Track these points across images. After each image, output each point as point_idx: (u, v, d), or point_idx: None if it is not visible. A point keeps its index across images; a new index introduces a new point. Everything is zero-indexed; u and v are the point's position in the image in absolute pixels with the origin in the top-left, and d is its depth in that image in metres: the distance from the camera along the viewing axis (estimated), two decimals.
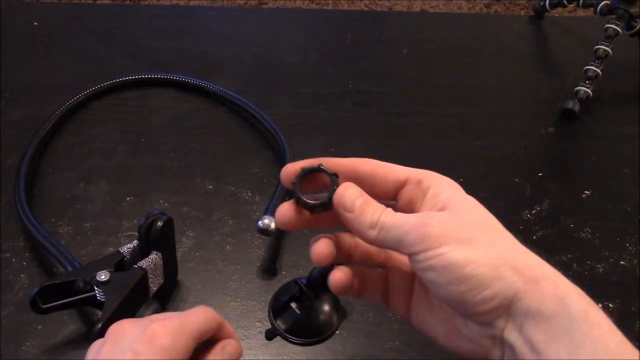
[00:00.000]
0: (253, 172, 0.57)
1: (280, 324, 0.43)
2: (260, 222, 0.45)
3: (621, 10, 0.70)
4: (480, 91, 0.70)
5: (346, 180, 0.31)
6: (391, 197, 0.32)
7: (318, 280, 0.43)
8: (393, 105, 0.68)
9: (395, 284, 0.34)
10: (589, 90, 0.65)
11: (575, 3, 0.78)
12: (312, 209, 0.31)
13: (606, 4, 0.73)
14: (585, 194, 0.56)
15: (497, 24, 0.88)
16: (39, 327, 0.43)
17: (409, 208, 0.31)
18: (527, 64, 0.77)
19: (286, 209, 0.32)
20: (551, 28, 0.84)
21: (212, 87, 0.65)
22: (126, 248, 0.42)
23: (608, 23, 0.69)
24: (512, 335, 0.27)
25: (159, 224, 0.41)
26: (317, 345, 0.43)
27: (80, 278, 0.40)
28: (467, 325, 0.29)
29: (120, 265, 0.42)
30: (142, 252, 0.43)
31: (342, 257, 0.33)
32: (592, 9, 0.76)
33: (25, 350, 0.42)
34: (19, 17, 0.82)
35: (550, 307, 0.26)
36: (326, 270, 0.42)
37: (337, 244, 0.32)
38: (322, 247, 0.31)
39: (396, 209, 0.30)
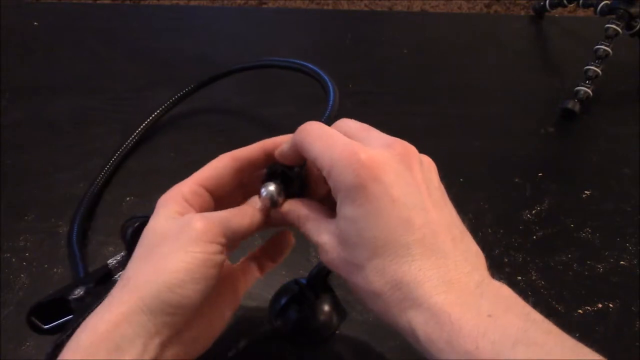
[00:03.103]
0: None
1: (280, 324, 0.43)
2: (264, 190, 0.33)
3: (621, 10, 0.70)
4: (480, 91, 0.70)
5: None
6: None
7: (318, 280, 0.43)
8: (393, 105, 0.68)
9: None
10: (589, 90, 0.65)
11: (575, 3, 0.78)
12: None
13: (606, 4, 0.73)
14: (585, 194, 0.56)
15: (497, 24, 0.88)
16: None
17: None
18: (527, 64, 0.77)
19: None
20: (551, 28, 0.84)
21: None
22: (114, 260, 0.39)
23: (608, 23, 0.69)
24: None
25: (129, 230, 0.36)
26: (317, 345, 0.43)
27: (63, 296, 0.36)
28: None
29: (105, 278, 0.38)
30: (124, 263, 0.38)
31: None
32: (592, 9, 0.76)
33: (25, 350, 0.42)
34: (19, 17, 0.82)
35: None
36: (326, 270, 0.42)
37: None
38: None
39: None
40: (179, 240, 0.28)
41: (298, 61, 0.54)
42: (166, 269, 0.27)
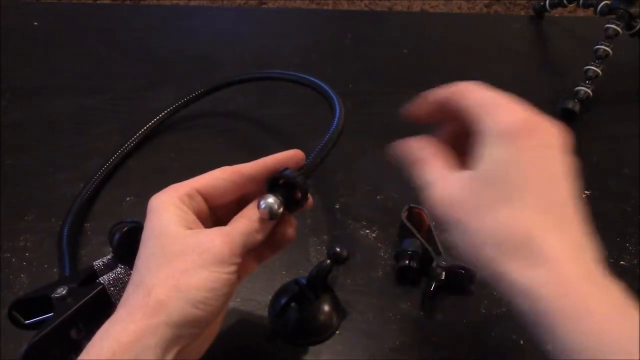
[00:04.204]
0: None
1: (280, 324, 0.43)
2: (262, 203, 0.32)
3: (621, 10, 0.70)
4: None
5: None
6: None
7: (318, 280, 0.43)
8: (393, 105, 0.67)
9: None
10: (589, 90, 0.65)
11: (575, 3, 0.78)
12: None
13: (606, 4, 0.73)
14: (585, 194, 0.56)
15: (497, 24, 0.88)
16: None
17: None
18: (527, 64, 0.77)
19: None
20: (551, 28, 0.84)
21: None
22: (100, 262, 0.38)
23: (608, 23, 0.69)
24: None
25: (117, 235, 0.36)
26: (317, 345, 0.43)
27: (45, 294, 0.36)
28: None
29: (90, 279, 0.37)
30: (110, 265, 0.38)
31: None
32: (592, 9, 0.76)
33: None
34: (19, 17, 0.82)
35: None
36: (326, 270, 0.42)
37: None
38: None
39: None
40: (201, 259, 0.30)
41: (305, 76, 0.55)
42: (190, 286, 0.29)
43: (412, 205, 0.49)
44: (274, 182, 0.33)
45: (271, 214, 0.32)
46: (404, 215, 0.48)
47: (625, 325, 0.24)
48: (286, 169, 0.34)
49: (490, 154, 0.28)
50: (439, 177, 0.30)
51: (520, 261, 0.26)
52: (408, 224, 0.48)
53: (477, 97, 0.31)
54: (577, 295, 0.24)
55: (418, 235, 0.46)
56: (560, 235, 0.26)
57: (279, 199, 0.32)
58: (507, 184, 0.27)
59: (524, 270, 0.26)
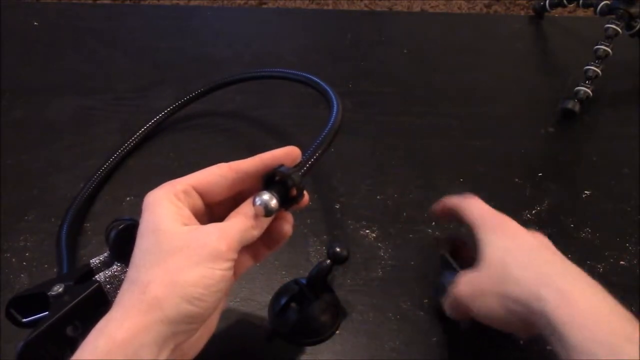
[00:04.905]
0: None
1: (280, 324, 0.43)
2: (258, 199, 0.32)
3: (621, 10, 0.70)
4: (480, 91, 0.70)
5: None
6: None
7: (318, 280, 0.43)
8: (393, 105, 0.68)
9: None
10: (589, 90, 0.65)
11: (575, 3, 0.78)
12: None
13: (606, 4, 0.73)
14: (585, 194, 0.56)
15: (497, 24, 0.88)
16: None
17: None
18: (527, 64, 0.77)
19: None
20: (551, 28, 0.84)
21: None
22: (97, 260, 0.38)
23: (608, 23, 0.69)
24: None
25: (113, 233, 0.35)
26: (317, 345, 0.43)
27: (41, 291, 0.35)
28: None
29: (87, 277, 0.37)
30: (107, 263, 0.38)
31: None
32: (592, 9, 0.76)
33: None
34: (19, 17, 0.82)
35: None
36: (326, 270, 0.42)
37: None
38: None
39: None
40: (197, 255, 0.29)
41: (302, 73, 0.54)
42: (186, 282, 0.29)
43: (453, 237, 0.46)
44: (270, 178, 0.33)
45: (266, 211, 0.32)
46: (446, 247, 0.45)
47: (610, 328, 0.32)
48: (282, 165, 0.34)
49: (489, 250, 0.39)
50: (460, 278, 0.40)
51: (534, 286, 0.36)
52: (449, 258, 0.44)
53: (476, 214, 0.41)
54: (576, 302, 0.33)
55: (459, 269, 0.42)
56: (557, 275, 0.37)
57: (274, 195, 0.32)
58: (506, 261, 0.38)
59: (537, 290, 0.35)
